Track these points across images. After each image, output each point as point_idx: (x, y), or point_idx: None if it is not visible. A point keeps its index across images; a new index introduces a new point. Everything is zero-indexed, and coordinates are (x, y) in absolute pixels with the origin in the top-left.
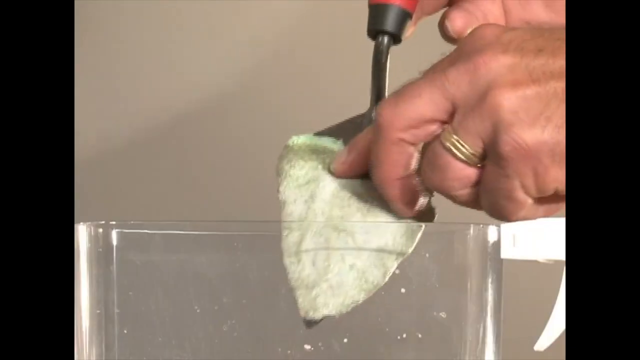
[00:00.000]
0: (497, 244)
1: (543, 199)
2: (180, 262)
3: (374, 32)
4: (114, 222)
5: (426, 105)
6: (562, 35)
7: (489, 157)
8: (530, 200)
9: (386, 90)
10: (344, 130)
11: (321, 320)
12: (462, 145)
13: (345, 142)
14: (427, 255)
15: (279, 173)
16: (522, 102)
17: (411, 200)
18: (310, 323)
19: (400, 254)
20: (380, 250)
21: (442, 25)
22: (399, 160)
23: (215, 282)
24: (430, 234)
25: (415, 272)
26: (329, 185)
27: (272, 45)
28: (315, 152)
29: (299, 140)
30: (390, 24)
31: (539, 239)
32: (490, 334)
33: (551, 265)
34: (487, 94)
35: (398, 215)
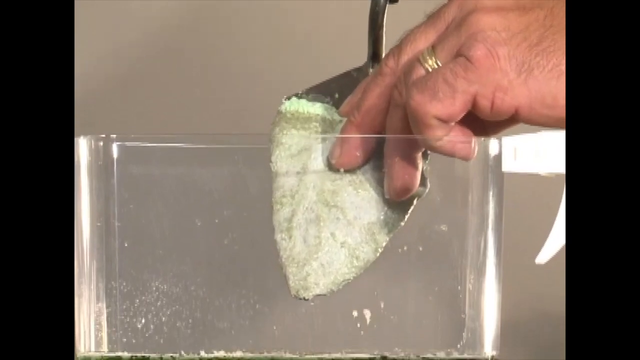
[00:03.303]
0: (498, 157)
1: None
2: (181, 176)
3: None
4: (114, 136)
5: (421, 45)
6: None
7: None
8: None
9: (383, 47)
10: (340, 85)
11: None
12: (436, 64)
13: (341, 99)
14: (428, 168)
15: (271, 140)
16: (502, 20)
17: (411, 177)
18: (300, 300)
19: (391, 228)
20: (371, 225)
21: None
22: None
23: (216, 196)
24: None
25: None
26: (321, 156)
27: None
28: (308, 120)
29: (292, 106)
30: None
31: (540, 152)
32: (491, 247)
33: (553, 178)
34: (469, 14)
35: (390, 192)
